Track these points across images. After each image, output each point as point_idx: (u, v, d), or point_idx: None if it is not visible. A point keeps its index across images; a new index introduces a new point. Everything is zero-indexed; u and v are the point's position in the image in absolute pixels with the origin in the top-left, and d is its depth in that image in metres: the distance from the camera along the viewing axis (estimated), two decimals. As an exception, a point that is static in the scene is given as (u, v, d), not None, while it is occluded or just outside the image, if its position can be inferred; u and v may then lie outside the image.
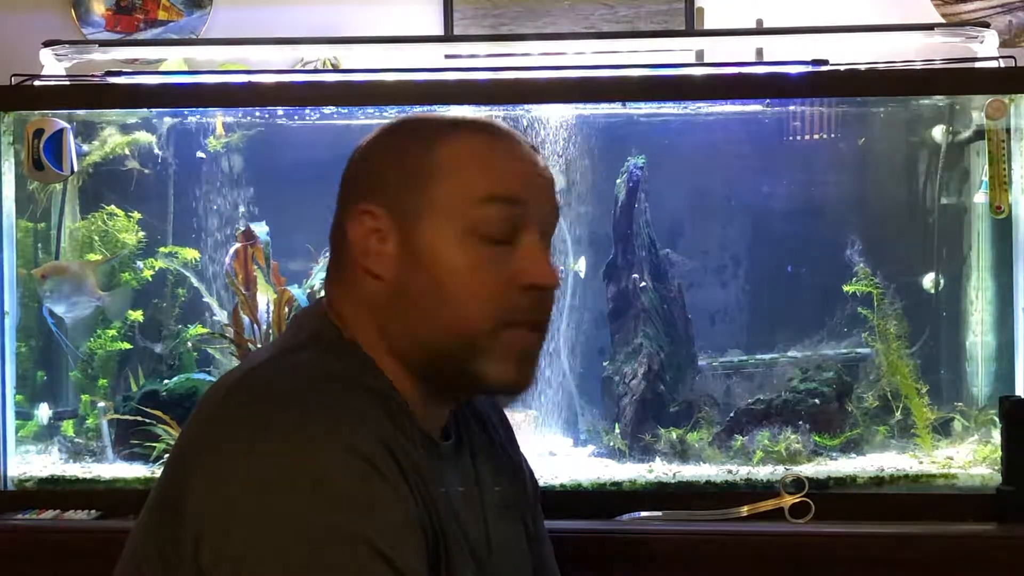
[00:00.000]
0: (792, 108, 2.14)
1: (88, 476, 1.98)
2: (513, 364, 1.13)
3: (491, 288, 1.12)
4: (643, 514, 1.83)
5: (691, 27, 2.33)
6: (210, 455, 1.04)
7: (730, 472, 1.94)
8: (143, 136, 2.20)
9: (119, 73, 2.02)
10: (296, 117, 2.14)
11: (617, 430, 2.09)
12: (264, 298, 2.08)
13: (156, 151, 2.21)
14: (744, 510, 1.81)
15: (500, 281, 1.12)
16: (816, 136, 2.18)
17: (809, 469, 1.92)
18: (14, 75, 1.96)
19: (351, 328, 1.16)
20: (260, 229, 2.10)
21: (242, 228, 2.13)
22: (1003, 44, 2.17)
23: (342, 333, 1.16)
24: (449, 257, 1.12)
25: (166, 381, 2.12)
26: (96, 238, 2.18)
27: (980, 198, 2.04)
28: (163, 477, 1.11)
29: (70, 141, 1.96)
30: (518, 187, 1.14)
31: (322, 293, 1.25)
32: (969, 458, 1.94)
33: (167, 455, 1.93)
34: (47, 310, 2.09)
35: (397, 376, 1.15)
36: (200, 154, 2.23)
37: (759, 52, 2.12)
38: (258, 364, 1.15)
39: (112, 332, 2.17)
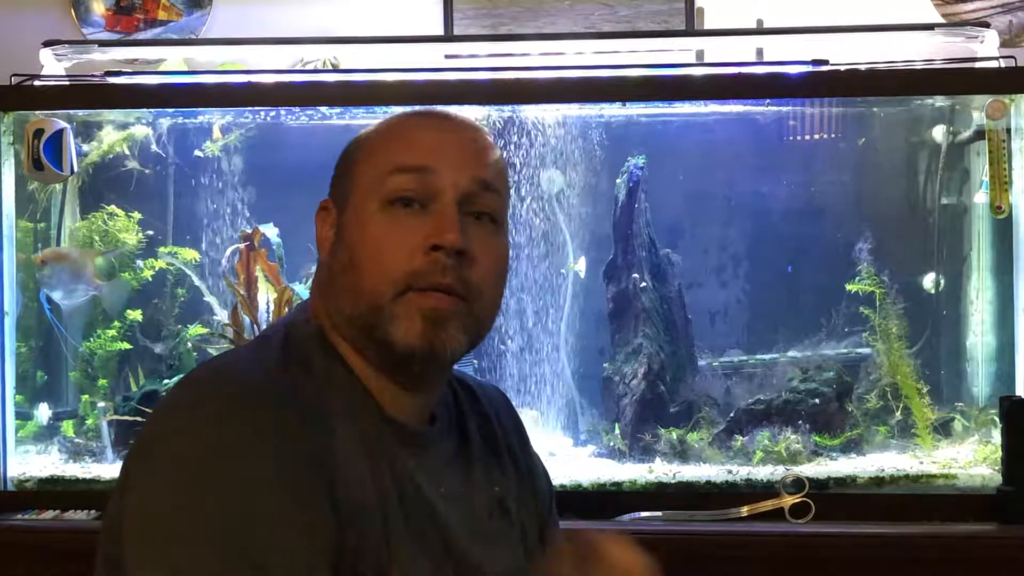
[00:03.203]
0: (792, 108, 2.14)
1: (88, 476, 1.98)
2: (418, 325, 1.12)
3: (394, 254, 1.13)
4: (643, 514, 1.83)
5: (691, 27, 2.33)
6: (144, 433, 1.07)
7: (730, 472, 1.94)
8: (143, 136, 2.20)
9: (119, 73, 2.02)
10: (302, 116, 2.14)
11: (617, 430, 2.08)
12: (264, 297, 2.08)
13: (156, 151, 2.21)
14: (744, 510, 1.81)
15: (405, 247, 1.13)
16: (816, 136, 2.18)
17: (809, 469, 1.92)
18: (14, 75, 1.96)
19: (320, 317, 1.19)
20: (270, 232, 2.10)
21: (249, 229, 2.12)
22: (1003, 44, 2.17)
23: (312, 320, 1.18)
24: (362, 231, 1.15)
25: (166, 381, 2.12)
26: (96, 238, 2.18)
27: (980, 198, 2.04)
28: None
29: (70, 141, 1.96)
30: (424, 156, 1.15)
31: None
32: (969, 458, 1.94)
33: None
34: (44, 296, 2.09)
35: (352, 359, 1.16)
36: (198, 153, 2.23)
37: (759, 52, 2.12)
38: (218, 356, 1.19)
39: (112, 332, 2.17)
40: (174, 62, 2.24)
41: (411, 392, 1.19)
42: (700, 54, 2.17)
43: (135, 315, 2.18)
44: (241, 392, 1.07)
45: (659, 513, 1.83)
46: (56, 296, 2.10)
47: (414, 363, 1.15)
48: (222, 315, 2.15)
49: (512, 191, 1.28)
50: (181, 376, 1.18)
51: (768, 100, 2.07)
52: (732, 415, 2.05)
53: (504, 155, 1.31)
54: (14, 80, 1.96)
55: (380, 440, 1.13)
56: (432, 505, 1.15)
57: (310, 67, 2.22)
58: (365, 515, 1.09)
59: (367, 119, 2.02)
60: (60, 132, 1.95)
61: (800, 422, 2.00)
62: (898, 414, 2.04)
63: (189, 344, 2.18)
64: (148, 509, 1.00)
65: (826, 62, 1.92)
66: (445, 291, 1.13)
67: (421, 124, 1.20)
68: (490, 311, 1.19)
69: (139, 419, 2.03)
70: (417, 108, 1.27)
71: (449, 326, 1.14)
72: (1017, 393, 1.89)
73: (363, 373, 1.16)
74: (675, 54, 2.16)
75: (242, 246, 2.10)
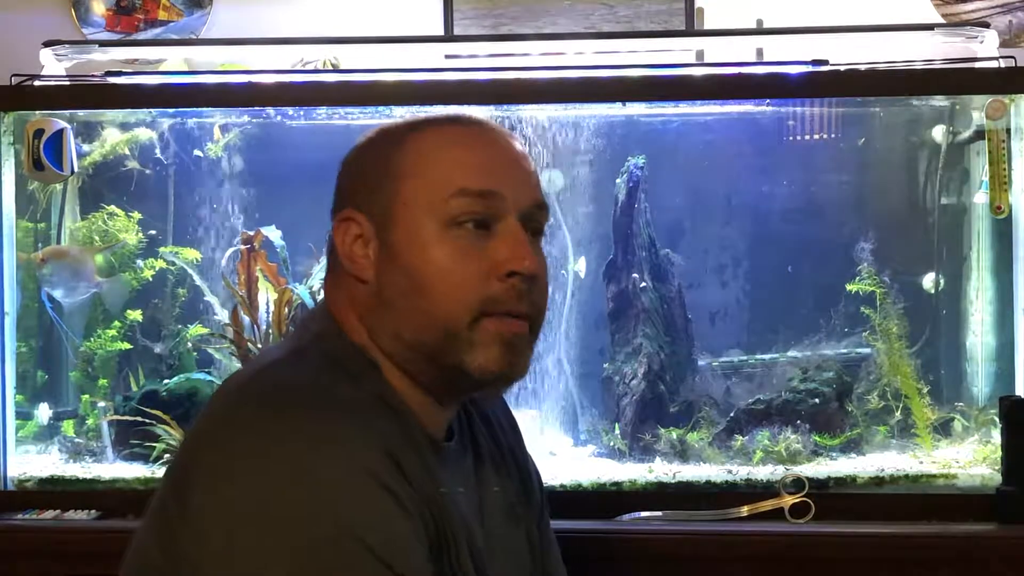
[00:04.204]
0: (792, 108, 2.14)
1: (88, 476, 1.98)
2: (496, 352, 1.11)
3: (468, 279, 1.11)
4: (643, 514, 1.83)
5: (691, 27, 2.33)
6: (216, 456, 1.04)
7: (730, 472, 1.94)
8: (143, 135, 2.20)
9: (119, 73, 2.02)
10: (303, 116, 2.14)
11: (617, 430, 2.09)
12: (264, 297, 2.08)
13: (157, 151, 2.22)
14: (744, 510, 1.81)
15: (478, 272, 1.11)
16: (816, 136, 2.18)
17: (809, 469, 1.92)
18: (14, 75, 1.96)
19: (350, 331, 1.16)
20: (272, 234, 2.10)
21: (251, 232, 2.12)
22: (1003, 44, 2.17)
23: (346, 335, 1.16)
24: (424, 254, 1.12)
25: (166, 381, 2.12)
26: (96, 238, 2.18)
27: (980, 198, 2.04)
28: (168, 475, 1.11)
29: (70, 141, 1.96)
30: (489, 177, 1.13)
31: (322, 295, 1.26)
32: (969, 458, 1.94)
33: (169, 455, 1.94)
34: (46, 294, 2.09)
35: (394, 377, 1.15)
36: (198, 153, 2.23)
37: (759, 52, 2.12)
38: (267, 365, 1.15)
39: (112, 332, 2.17)
40: (174, 62, 2.24)
41: (446, 408, 1.18)
42: (700, 54, 2.17)
43: (135, 315, 2.18)
44: (312, 407, 1.05)
45: (659, 513, 1.83)
46: (57, 294, 2.10)
47: (491, 388, 1.15)
48: (223, 315, 2.15)
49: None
50: (224, 392, 1.14)
51: (768, 100, 2.07)
52: (732, 415, 2.04)
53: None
54: (14, 80, 1.96)
55: (428, 455, 1.13)
56: (466, 519, 1.15)
57: (310, 67, 2.22)
58: (440, 527, 1.09)
59: (368, 120, 2.03)
60: (60, 132, 1.95)
61: (800, 422, 2.00)
62: (898, 414, 2.04)
63: (189, 344, 2.18)
64: (248, 530, 0.98)
65: (826, 62, 1.92)
66: (520, 316, 1.12)
67: (474, 139, 1.17)
68: (542, 327, 1.20)
69: (139, 419, 2.03)
70: (451, 115, 1.23)
71: (523, 350, 1.14)
72: (1017, 393, 1.89)
73: (405, 391, 1.15)
74: (675, 54, 2.15)
75: (242, 247, 2.10)
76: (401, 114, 1.81)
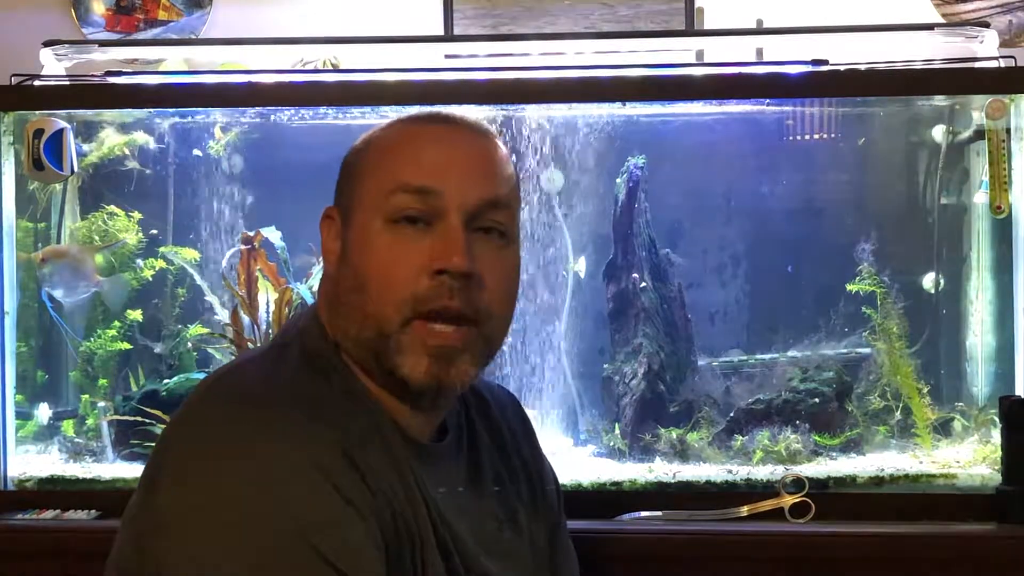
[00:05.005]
0: (792, 108, 2.14)
1: (88, 476, 1.98)
2: (424, 361, 1.10)
3: (401, 277, 1.10)
4: (643, 514, 1.83)
5: (691, 27, 2.33)
6: (179, 452, 1.05)
7: (730, 472, 1.94)
8: (142, 135, 2.20)
9: (119, 73, 2.02)
10: (307, 116, 2.14)
11: (617, 430, 2.09)
12: (264, 297, 2.08)
13: (156, 151, 2.21)
14: (744, 510, 1.81)
15: (411, 269, 1.10)
16: (816, 136, 2.18)
17: (809, 469, 1.92)
18: (14, 75, 1.96)
19: (330, 330, 1.17)
20: (273, 235, 2.09)
21: (251, 232, 2.12)
22: (1003, 44, 2.17)
23: (325, 332, 1.16)
24: (366, 250, 1.12)
25: (166, 381, 2.12)
26: (96, 238, 2.18)
27: (980, 198, 2.04)
28: (143, 473, 1.11)
29: (70, 141, 1.96)
30: (428, 176, 1.12)
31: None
32: (969, 458, 1.94)
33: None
34: (46, 294, 2.09)
35: (364, 377, 1.15)
36: (197, 152, 2.23)
37: (759, 52, 2.12)
38: (243, 362, 1.17)
39: (112, 332, 2.17)
40: (174, 62, 2.24)
41: (420, 411, 1.18)
42: (700, 54, 2.17)
43: (135, 315, 2.18)
44: (276, 405, 1.06)
45: (659, 513, 1.83)
46: (58, 294, 2.11)
47: (422, 397, 1.14)
48: (223, 315, 2.15)
49: (521, 195, 1.25)
50: (199, 387, 1.15)
51: (768, 100, 2.07)
52: (732, 415, 2.04)
53: (513, 158, 1.30)
54: (14, 80, 1.96)
55: (401, 453, 1.13)
56: (447, 520, 1.15)
57: (310, 67, 2.22)
58: (405, 527, 1.09)
59: (368, 120, 2.02)
60: (60, 132, 1.95)
61: (800, 422, 2.00)
62: (898, 414, 2.04)
63: (189, 344, 2.18)
64: (202, 529, 0.99)
65: (826, 62, 1.92)
66: (453, 317, 1.10)
67: (428, 137, 1.16)
68: (501, 330, 1.17)
69: (139, 419, 2.03)
70: (424, 113, 1.23)
71: (459, 360, 1.11)
72: (1017, 393, 1.89)
73: (375, 391, 1.14)
74: (675, 54, 2.15)
75: (242, 247, 2.10)
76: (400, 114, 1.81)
